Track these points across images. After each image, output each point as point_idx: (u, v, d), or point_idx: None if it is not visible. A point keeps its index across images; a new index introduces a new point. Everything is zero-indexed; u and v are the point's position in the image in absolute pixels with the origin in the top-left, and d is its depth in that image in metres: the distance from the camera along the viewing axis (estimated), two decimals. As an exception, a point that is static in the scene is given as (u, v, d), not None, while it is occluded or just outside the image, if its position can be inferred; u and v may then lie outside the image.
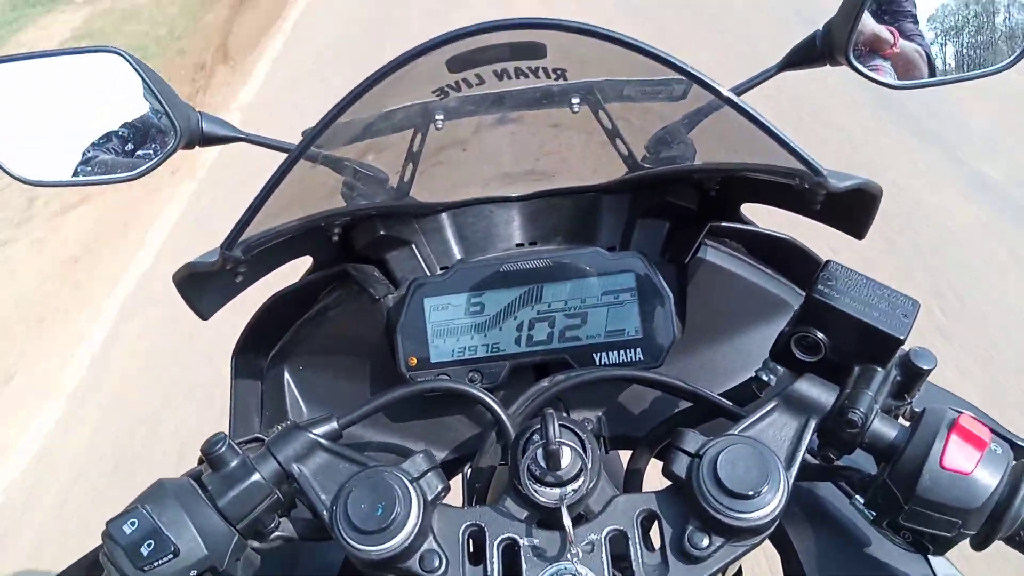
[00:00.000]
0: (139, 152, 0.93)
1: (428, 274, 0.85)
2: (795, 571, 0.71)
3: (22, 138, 0.94)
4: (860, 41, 0.84)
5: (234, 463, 0.62)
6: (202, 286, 0.71)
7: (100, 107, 0.94)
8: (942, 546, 0.58)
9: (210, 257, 0.68)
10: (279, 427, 0.66)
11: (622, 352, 0.80)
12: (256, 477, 0.61)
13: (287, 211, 0.73)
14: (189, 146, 0.91)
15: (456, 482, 0.81)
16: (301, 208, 0.77)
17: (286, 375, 0.86)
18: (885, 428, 0.59)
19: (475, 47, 0.63)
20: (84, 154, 0.93)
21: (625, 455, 0.82)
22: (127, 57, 0.89)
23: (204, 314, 0.74)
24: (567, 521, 0.58)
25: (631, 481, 0.75)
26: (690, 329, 0.82)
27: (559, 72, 0.70)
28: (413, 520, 0.58)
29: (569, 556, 0.58)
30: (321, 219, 0.81)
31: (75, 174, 0.93)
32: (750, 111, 0.60)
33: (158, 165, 0.91)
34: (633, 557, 0.58)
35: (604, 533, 0.59)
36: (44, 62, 0.93)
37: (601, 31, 0.59)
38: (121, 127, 0.93)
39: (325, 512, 0.60)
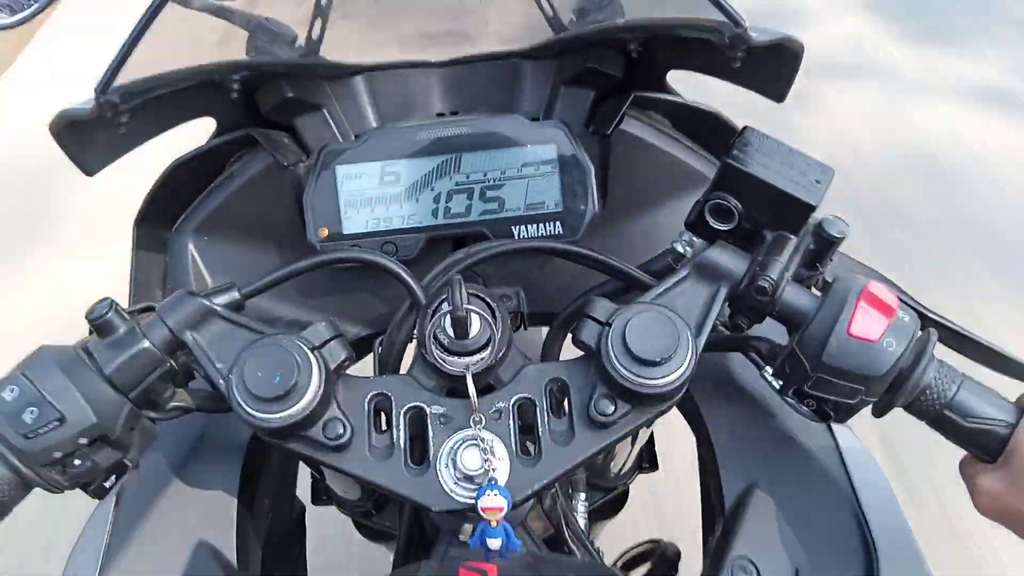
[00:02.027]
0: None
1: (341, 141, 0.80)
2: (703, 439, 0.72)
3: None
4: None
5: (122, 330, 0.58)
6: (84, 138, 0.65)
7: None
8: (844, 413, 0.59)
9: (87, 105, 0.62)
10: (171, 296, 0.63)
11: (541, 226, 0.78)
12: (145, 344, 0.58)
13: (173, 59, 0.66)
14: None
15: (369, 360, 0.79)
16: (191, 58, 0.70)
17: (190, 246, 0.81)
18: (796, 296, 0.59)
19: None
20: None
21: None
22: None
23: (89, 170, 0.68)
24: (471, 388, 0.57)
25: (548, 355, 0.75)
26: (610, 203, 0.80)
27: None
28: (314, 388, 0.56)
29: (472, 423, 0.57)
30: (215, 72, 0.74)
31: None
32: None
33: (41, 10, 0.82)
34: (540, 423, 0.58)
35: (512, 401, 0.58)
36: None
37: None
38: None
39: (221, 381, 0.57)
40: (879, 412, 0.59)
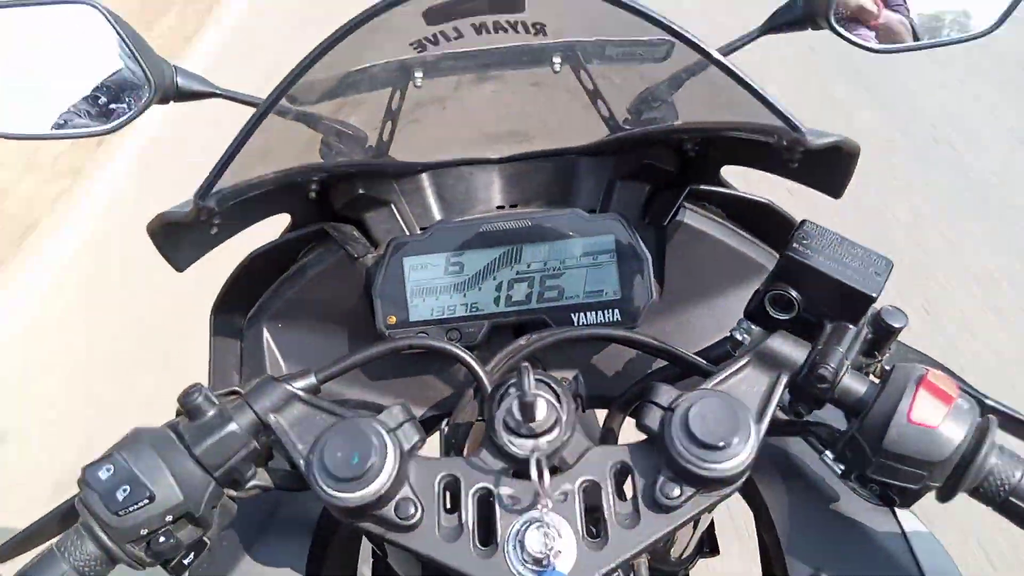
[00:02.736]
0: (113, 105, 0.91)
1: (407, 234, 0.85)
2: (766, 525, 0.72)
3: (-6, 90, 0.92)
4: (845, 11, 0.84)
5: (211, 413, 0.62)
6: (177, 238, 0.71)
7: (74, 59, 0.92)
8: (909, 498, 0.59)
9: (183, 208, 0.67)
10: (256, 381, 0.66)
11: (600, 312, 0.81)
12: (232, 427, 0.61)
13: (262, 164, 0.72)
14: (164, 101, 0.89)
15: (434, 440, 0.82)
16: (277, 163, 0.76)
17: (265, 333, 0.86)
18: (855, 384, 0.60)
19: None
20: (56, 106, 0.91)
21: (601, 415, 0.83)
22: (102, 10, 0.87)
23: (179, 266, 0.73)
24: (534, 471, 0.58)
25: (606, 439, 0.76)
26: (667, 291, 0.82)
27: (538, 27, 0.69)
28: (389, 469, 0.58)
29: (539, 507, 0.58)
30: (297, 174, 0.80)
31: (47, 126, 0.91)
32: (735, 70, 0.61)
33: (132, 119, 0.90)
34: (605, 506, 0.59)
35: (578, 484, 0.60)
36: (16, 11, 0.91)
37: None
38: (95, 80, 0.92)
39: (301, 461, 0.60)
40: (944, 497, 0.59)
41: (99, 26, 0.88)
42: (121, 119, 0.90)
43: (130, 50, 0.87)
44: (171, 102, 0.90)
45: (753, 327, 0.69)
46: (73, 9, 0.89)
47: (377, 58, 0.73)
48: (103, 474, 0.58)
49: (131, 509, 0.57)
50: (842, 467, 0.61)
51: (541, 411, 0.61)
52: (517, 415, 0.61)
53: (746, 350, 0.64)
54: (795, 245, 0.62)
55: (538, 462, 0.59)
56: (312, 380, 0.67)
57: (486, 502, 0.61)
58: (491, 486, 0.60)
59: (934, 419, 0.56)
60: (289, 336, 0.86)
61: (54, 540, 0.61)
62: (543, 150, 0.87)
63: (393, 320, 0.82)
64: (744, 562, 1.43)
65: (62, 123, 0.91)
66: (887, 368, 0.62)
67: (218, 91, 0.90)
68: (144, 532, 0.59)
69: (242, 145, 0.63)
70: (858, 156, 0.67)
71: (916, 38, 0.87)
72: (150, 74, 0.86)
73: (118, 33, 0.87)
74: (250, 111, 0.85)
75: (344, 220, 0.86)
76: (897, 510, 0.71)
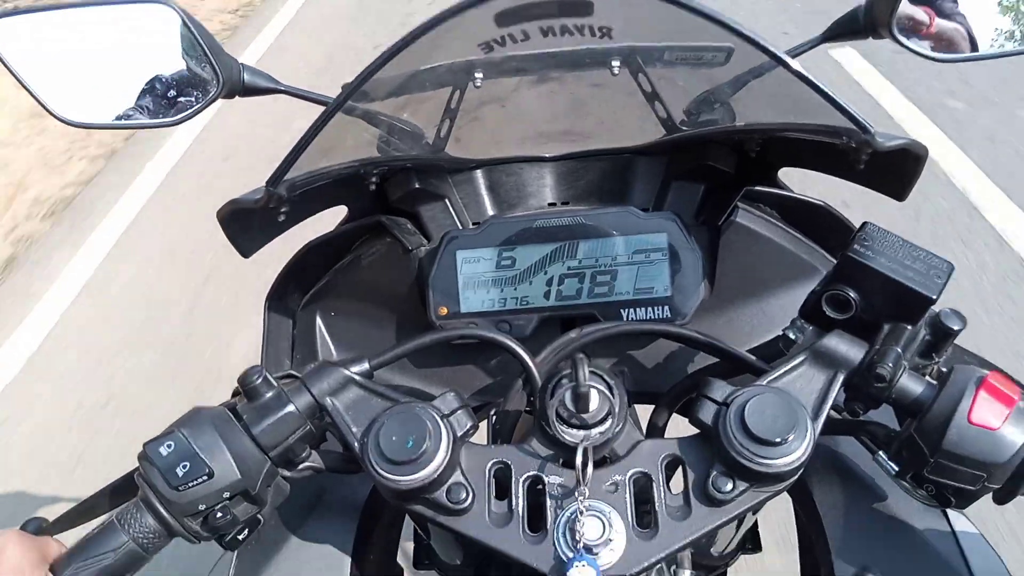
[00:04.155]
0: (180, 99, 0.94)
1: (460, 228, 0.87)
2: (812, 523, 0.72)
3: (69, 80, 0.96)
4: (904, 22, 0.84)
5: (269, 395, 0.63)
6: (246, 223, 0.73)
7: (146, 54, 0.96)
8: (966, 499, 0.59)
9: (254, 195, 0.70)
10: (312, 365, 0.68)
11: (650, 309, 0.81)
12: (290, 408, 0.63)
13: (327, 157, 0.74)
14: (230, 95, 0.92)
15: (480, 429, 0.83)
16: (340, 156, 0.78)
17: (318, 319, 0.88)
18: (913, 384, 0.60)
19: (525, 3, 0.64)
20: (127, 98, 0.95)
21: (645, 412, 0.83)
22: (177, 9, 0.91)
23: (245, 252, 0.76)
24: (580, 460, 0.59)
25: (654, 432, 0.77)
26: (719, 290, 0.82)
27: (604, 31, 0.71)
28: (442, 453, 0.59)
29: (577, 494, 0.58)
30: (360, 167, 0.82)
31: (117, 117, 0.95)
32: (804, 73, 0.61)
33: (199, 111, 0.93)
34: (656, 498, 0.59)
35: (628, 475, 0.60)
36: (96, 10, 0.95)
37: None
38: (164, 74, 0.95)
39: (356, 443, 0.61)
40: (1001, 500, 0.59)
41: (171, 23, 0.92)
42: (187, 112, 0.94)
43: (202, 47, 0.90)
44: (236, 96, 0.93)
45: (806, 327, 0.69)
46: (149, 7, 0.93)
47: (444, 58, 0.75)
48: (164, 450, 0.60)
49: (190, 485, 0.59)
50: (897, 467, 0.61)
51: (594, 402, 0.61)
52: (570, 405, 0.62)
53: (801, 348, 0.64)
54: (856, 246, 0.62)
55: (584, 451, 0.59)
56: (365, 366, 0.68)
57: (535, 489, 0.61)
58: (541, 474, 0.61)
59: (995, 421, 0.56)
60: (341, 323, 0.88)
61: (112, 512, 0.63)
62: (597, 149, 0.89)
63: (444, 311, 0.83)
64: (783, 558, 1.42)
65: (130, 114, 0.95)
66: (944, 370, 0.62)
67: (282, 87, 0.93)
68: (202, 507, 0.60)
69: (312, 138, 0.65)
70: (926, 159, 0.67)
71: (974, 47, 0.87)
72: (219, 70, 0.89)
73: (191, 31, 0.90)
74: (308, 104, 0.88)
75: (399, 213, 0.88)
76: (948, 511, 0.70)
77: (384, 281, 0.87)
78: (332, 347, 0.88)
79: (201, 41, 0.90)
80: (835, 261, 0.64)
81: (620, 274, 0.82)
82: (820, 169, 0.77)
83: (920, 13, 0.86)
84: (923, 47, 0.84)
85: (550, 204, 0.90)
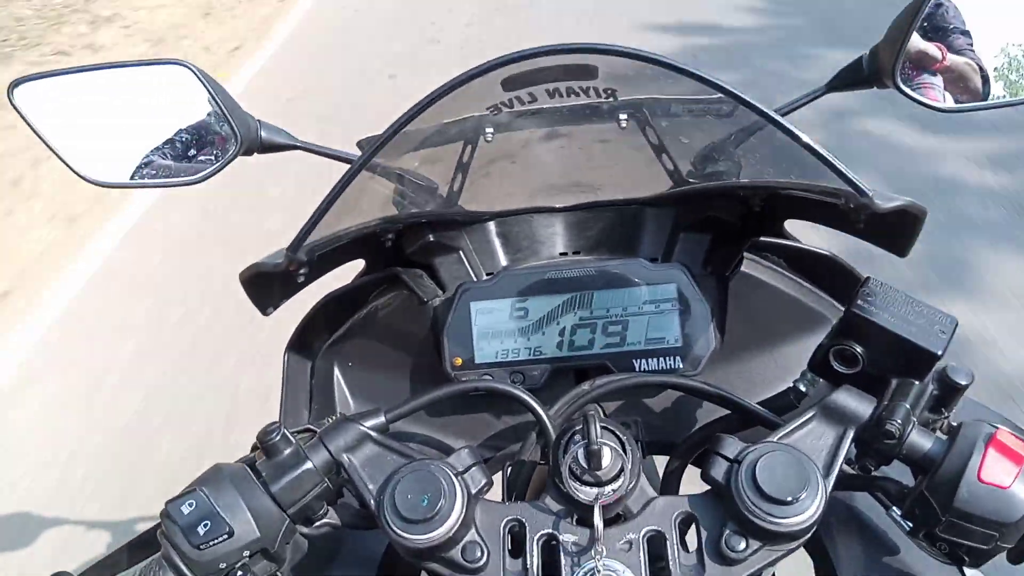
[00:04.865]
0: (200, 157, 0.97)
1: (474, 279, 0.88)
2: None
3: (91, 141, 0.99)
4: (908, 60, 0.84)
5: (287, 451, 0.64)
6: (266, 285, 0.75)
7: (165, 114, 0.98)
8: (979, 558, 0.59)
9: (275, 259, 0.72)
10: (330, 419, 0.69)
11: (662, 359, 0.82)
12: (308, 465, 0.64)
13: (346, 217, 0.76)
14: (248, 153, 0.95)
15: (495, 480, 0.84)
16: (358, 214, 0.80)
17: (335, 371, 0.89)
18: (922, 440, 0.60)
19: (530, 68, 0.66)
20: (147, 158, 0.98)
21: (661, 461, 0.84)
22: (193, 69, 0.94)
23: (265, 310, 0.77)
24: (598, 519, 0.59)
25: (667, 486, 0.77)
26: (729, 340, 0.83)
27: (609, 92, 0.72)
28: (457, 512, 0.60)
29: (594, 553, 0.59)
30: (377, 226, 0.84)
31: (138, 176, 0.98)
32: (796, 133, 0.62)
33: (219, 171, 0.95)
34: (670, 557, 0.60)
35: (642, 533, 0.61)
36: (115, 72, 0.98)
37: (653, 56, 0.61)
38: (183, 133, 0.98)
39: (372, 501, 0.62)
40: (1015, 559, 0.59)
41: (188, 83, 0.94)
42: (207, 171, 0.96)
43: (219, 106, 0.93)
44: (255, 154, 0.95)
45: (817, 379, 0.69)
46: (167, 68, 0.95)
47: (454, 118, 0.77)
48: (185, 508, 0.61)
49: (211, 543, 0.60)
50: (910, 524, 0.61)
51: (607, 459, 0.62)
52: (583, 462, 0.62)
53: (811, 403, 0.64)
54: (859, 302, 0.62)
55: (603, 510, 0.60)
56: (381, 420, 0.69)
57: (550, 548, 0.62)
58: (556, 532, 0.62)
59: (1005, 479, 0.56)
60: (358, 373, 0.90)
61: (133, 569, 0.64)
62: (607, 200, 0.90)
63: (459, 361, 0.84)
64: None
65: (153, 173, 0.98)
66: (954, 424, 0.62)
67: (299, 144, 0.95)
68: (223, 566, 0.61)
69: (333, 203, 0.67)
70: (925, 218, 0.67)
71: (987, 93, 0.86)
72: (237, 128, 0.92)
73: (208, 90, 0.93)
74: (326, 161, 0.91)
75: (414, 265, 0.90)
76: (966, 569, 0.70)
77: (400, 331, 0.88)
78: (349, 397, 0.89)
79: (218, 100, 0.93)
80: (844, 309, 0.65)
81: (631, 324, 0.83)
82: (824, 223, 0.78)
83: (932, 48, 0.86)
84: (930, 95, 0.84)
85: (561, 253, 0.91)
